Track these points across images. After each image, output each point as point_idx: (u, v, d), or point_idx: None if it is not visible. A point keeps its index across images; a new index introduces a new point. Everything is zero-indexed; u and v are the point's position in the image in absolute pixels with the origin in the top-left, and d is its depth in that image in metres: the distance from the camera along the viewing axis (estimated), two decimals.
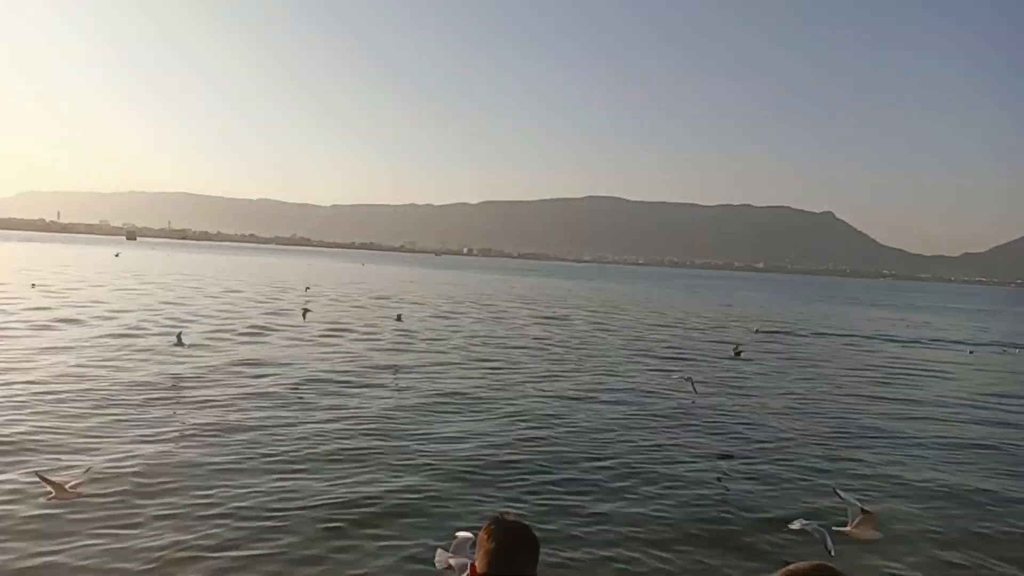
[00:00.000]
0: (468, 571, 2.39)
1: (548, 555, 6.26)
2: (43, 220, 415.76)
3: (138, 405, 11.48)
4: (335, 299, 38.10)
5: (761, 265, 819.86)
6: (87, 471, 7.10)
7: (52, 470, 7.37)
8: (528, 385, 15.54)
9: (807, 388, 17.35)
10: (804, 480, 9.53)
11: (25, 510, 6.90)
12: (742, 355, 21.91)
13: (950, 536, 7.77)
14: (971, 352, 28.71)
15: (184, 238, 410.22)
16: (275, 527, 6.94)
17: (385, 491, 8.14)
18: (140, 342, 18.22)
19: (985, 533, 7.95)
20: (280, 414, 11.48)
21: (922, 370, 22.43)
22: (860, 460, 10.71)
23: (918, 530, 7.87)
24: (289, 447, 9.62)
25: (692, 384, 14.30)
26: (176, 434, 9.97)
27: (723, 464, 10.23)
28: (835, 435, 12.32)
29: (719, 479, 9.55)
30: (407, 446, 10.07)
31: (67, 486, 6.52)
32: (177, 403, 11.90)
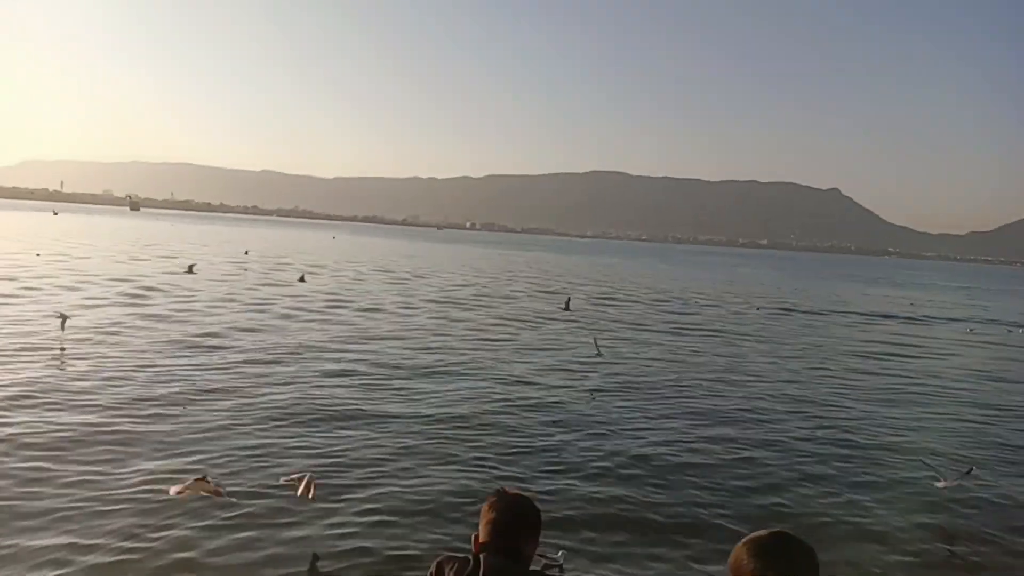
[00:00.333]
0: (472, 543, 2.44)
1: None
2: (46, 189, 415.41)
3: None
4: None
5: (765, 242, 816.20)
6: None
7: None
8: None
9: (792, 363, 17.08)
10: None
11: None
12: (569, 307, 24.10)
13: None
14: (971, 331, 28.51)
15: (187, 210, 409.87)
16: None
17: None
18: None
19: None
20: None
21: (918, 347, 22.14)
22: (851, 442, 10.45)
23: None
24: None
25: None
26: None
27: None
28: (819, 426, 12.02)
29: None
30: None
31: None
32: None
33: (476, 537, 2.44)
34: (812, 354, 19.27)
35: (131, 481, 7.10)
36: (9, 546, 5.69)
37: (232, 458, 7.93)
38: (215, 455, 7.98)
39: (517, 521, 2.42)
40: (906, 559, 6.64)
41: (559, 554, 5.86)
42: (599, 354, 15.25)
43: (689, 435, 10.15)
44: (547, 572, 4.98)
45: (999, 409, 13.54)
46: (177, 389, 10.68)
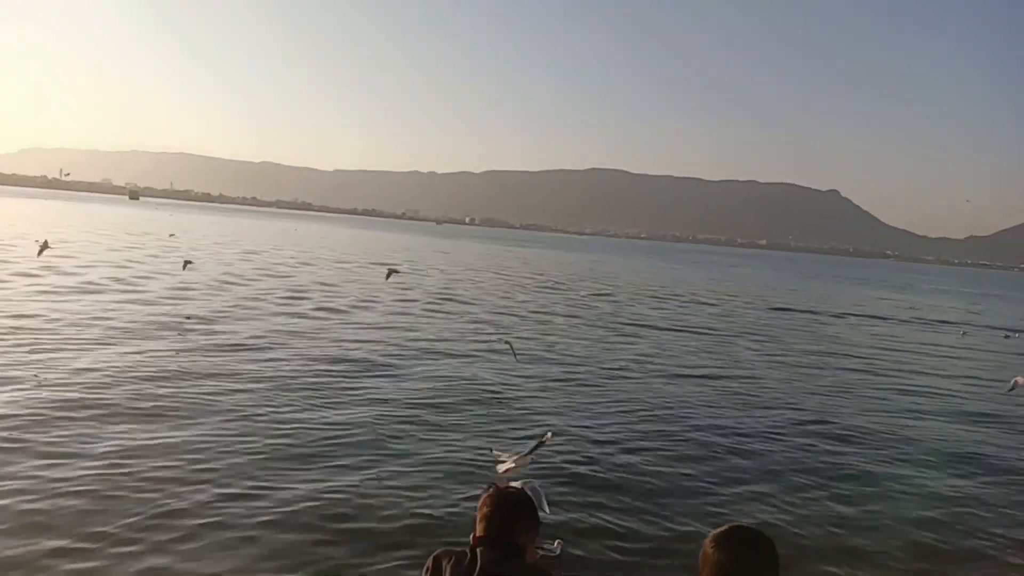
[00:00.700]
0: (471, 538, 2.49)
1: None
2: (45, 177, 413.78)
3: None
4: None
5: (764, 242, 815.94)
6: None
7: None
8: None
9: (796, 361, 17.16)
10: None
11: None
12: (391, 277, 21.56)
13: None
14: (963, 334, 28.57)
15: (186, 200, 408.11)
16: None
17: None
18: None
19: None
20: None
21: (907, 352, 22.20)
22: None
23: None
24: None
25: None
26: None
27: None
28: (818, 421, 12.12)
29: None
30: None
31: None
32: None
33: (473, 534, 2.49)
34: (801, 353, 19.32)
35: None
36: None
37: None
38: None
39: (512, 515, 2.48)
40: (900, 557, 6.70)
41: (555, 544, 5.83)
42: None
43: (642, 432, 10.22)
44: (543, 563, 4.98)
45: (983, 414, 13.60)
46: None
